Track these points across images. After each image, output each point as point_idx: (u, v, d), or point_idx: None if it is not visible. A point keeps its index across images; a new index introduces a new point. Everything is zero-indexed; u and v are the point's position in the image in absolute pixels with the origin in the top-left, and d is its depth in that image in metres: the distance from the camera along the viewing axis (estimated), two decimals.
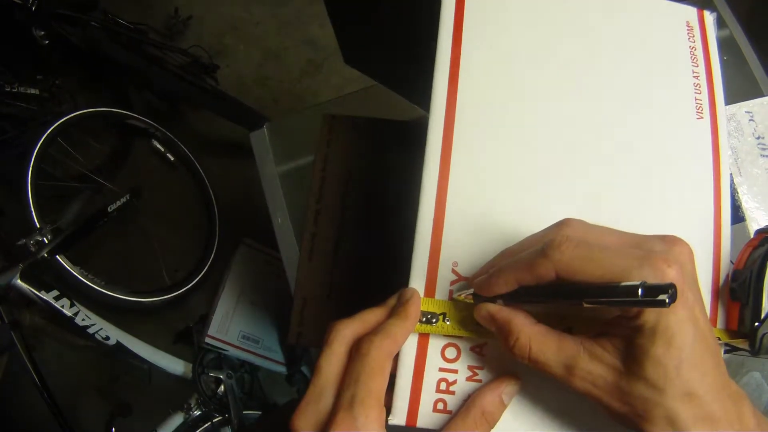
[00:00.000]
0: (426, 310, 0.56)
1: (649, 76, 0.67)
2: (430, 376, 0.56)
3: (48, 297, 2.01)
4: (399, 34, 0.74)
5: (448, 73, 0.63)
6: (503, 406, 0.54)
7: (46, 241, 2.11)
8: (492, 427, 0.54)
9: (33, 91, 2.55)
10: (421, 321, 0.56)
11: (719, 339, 0.57)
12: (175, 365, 2.31)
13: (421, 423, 0.56)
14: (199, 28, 3.45)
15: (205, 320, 2.32)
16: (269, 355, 2.38)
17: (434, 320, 0.56)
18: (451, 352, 0.57)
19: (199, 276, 2.65)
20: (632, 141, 0.64)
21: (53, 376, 2.07)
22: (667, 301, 0.40)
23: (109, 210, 2.39)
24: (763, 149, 0.94)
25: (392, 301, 0.56)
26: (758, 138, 0.96)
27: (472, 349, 0.57)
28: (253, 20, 3.41)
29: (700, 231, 0.62)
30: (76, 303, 2.09)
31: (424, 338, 0.57)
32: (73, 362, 2.64)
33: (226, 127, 2.80)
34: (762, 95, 1.05)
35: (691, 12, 0.72)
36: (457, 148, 0.61)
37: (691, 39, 0.71)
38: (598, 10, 0.69)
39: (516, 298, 0.51)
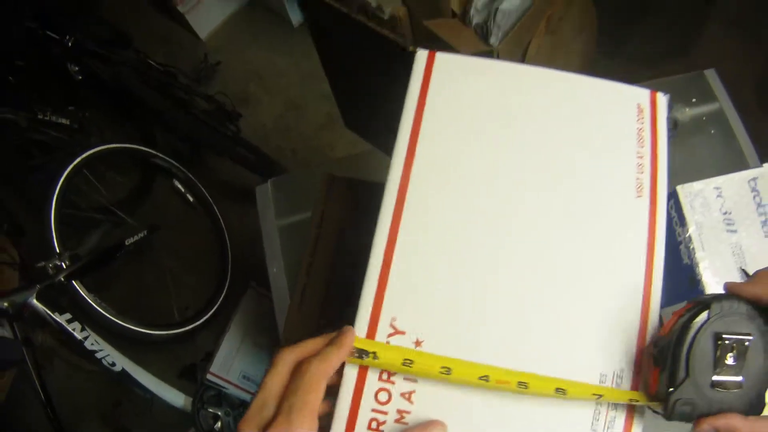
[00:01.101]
0: (359, 347, 0.64)
1: (593, 155, 0.74)
2: (364, 415, 0.64)
3: (61, 319, 2.08)
4: (387, 108, 0.83)
5: (407, 147, 0.72)
6: None
7: (64, 266, 2.20)
8: None
9: (64, 120, 2.62)
10: (354, 355, 0.64)
11: (638, 401, 0.63)
12: (176, 397, 2.36)
13: None
14: (225, 75, 3.55)
15: (210, 358, 2.37)
16: None
17: (365, 356, 0.64)
18: (383, 396, 0.64)
19: (208, 314, 2.70)
20: (571, 214, 0.70)
21: (59, 396, 2.15)
22: None
23: (126, 243, 2.48)
24: (729, 224, 0.96)
25: (333, 334, 0.65)
26: (725, 213, 0.97)
27: (402, 395, 0.64)
28: (277, 71, 3.49)
29: (628, 302, 0.67)
30: (86, 328, 2.16)
31: (361, 381, 0.65)
32: (80, 384, 2.70)
33: (246, 175, 2.86)
34: (749, 168, 1.10)
35: (643, 94, 0.79)
36: (407, 216, 0.69)
37: (639, 120, 0.76)
38: (552, 93, 0.77)
39: None
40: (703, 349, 0.58)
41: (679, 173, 1.31)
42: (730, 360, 0.58)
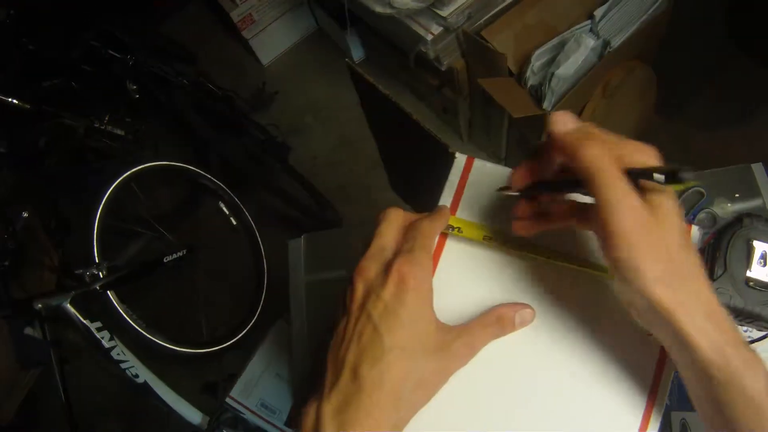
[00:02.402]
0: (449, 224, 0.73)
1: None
2: None
3: (91, 326, 2.13)
4: (424, 189, 0.84)
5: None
6: (513, 325, 0.68)
7: (101, 276, 2.25)
8: (501, 334, 0.67)
9: (119, 131, 2.68)
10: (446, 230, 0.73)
11: None
12: (193, 415, 2.38)
13: None
14: (283, 104, 3.60)
15: (233, 379, 2.39)
16: (283, 428, 2.41)
17: (451, 230, 0.72)
18: None
19: (236, 338, 2.73)
20: (576, 341, 0.68)
21: (80, 393, 2.22)
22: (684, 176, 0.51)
23: (164, 261, 2.53)
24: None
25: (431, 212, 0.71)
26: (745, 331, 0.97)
27: None
28: (335, 105, 3.52)
29: None
30: (115, 338, 2.20)
31: None
32: (102, 385, 2.76)
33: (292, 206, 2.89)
34: None
35: None
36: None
37: None
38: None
39: (537, 190, 0.66)
40: (737, 250, 0.67)
41: None
42: (760, 262, 0.66)
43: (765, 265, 0.66)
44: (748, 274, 0.66)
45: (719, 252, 0.68)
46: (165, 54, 2.98)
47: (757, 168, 1.36)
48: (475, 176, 0.79)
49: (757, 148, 2.78)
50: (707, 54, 3.01)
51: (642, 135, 2.78)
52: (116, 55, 2.52)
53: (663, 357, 0.66)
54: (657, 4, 2.30)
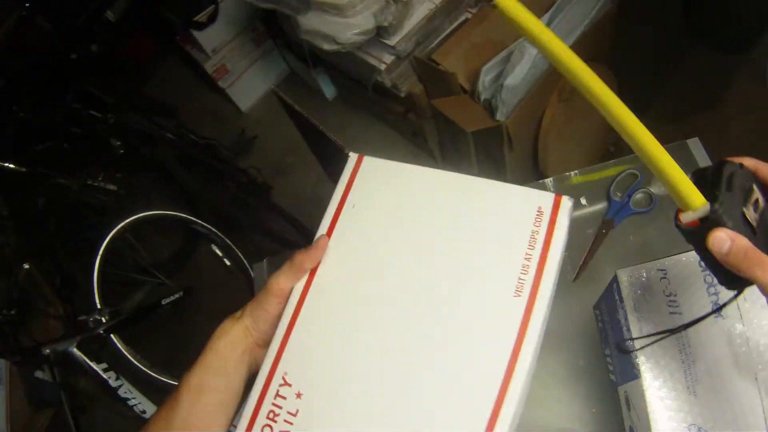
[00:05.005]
0: None
1: (483, 254, 0.76)
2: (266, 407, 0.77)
3: (98, 368, 2.26)
4: None
5: (326, 233, 0.86)
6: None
7: (104, 321, 2.38)
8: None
9: (111, 187, 2.82)
10: None
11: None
12: None
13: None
14: (264, 145, 3.73)
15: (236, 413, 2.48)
16: None
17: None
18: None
19: None
20: (451, 306, 0.74)
21: (93, 428, 2.31)
22: None
23: (163, 303, 2.65)
24: (674, 306, 0.91)
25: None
26: (669, 295, 0.93)
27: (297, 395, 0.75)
28: None
29: (482, 392, 0.68)
30: (121, 377, 2.32)
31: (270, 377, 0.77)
32: (115, 429, 2.81)
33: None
34: None
35: (547, 198, 0.78)
36: (313, 290, 0.82)
37: (536, 224, 0.76)
38: (458, 196, 0.82)
39: None
40: (739, 181, 0.63)
41: (654, 247, 1.33)
42: (752, 207, 0.63)
43: (756, 211, 0.63)
44: (744, 209, 0.62)
45: (722, 174, 0.63)
46: (147, 110, 3.10)
47: (693, 144, 1.42)
48: (365, 174, 0.88)
49: (726, 134, 2.83)
50: (666, 47, 3.10)
51: (611, 135, 2.85)
52: (97, 114, 2.63)
53: (526, 320, 0.71)
54: (600, 4, 2.34)
